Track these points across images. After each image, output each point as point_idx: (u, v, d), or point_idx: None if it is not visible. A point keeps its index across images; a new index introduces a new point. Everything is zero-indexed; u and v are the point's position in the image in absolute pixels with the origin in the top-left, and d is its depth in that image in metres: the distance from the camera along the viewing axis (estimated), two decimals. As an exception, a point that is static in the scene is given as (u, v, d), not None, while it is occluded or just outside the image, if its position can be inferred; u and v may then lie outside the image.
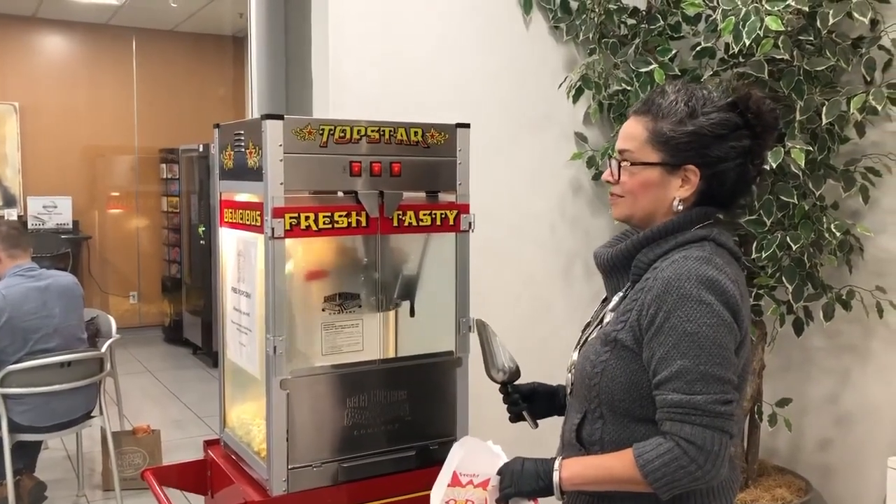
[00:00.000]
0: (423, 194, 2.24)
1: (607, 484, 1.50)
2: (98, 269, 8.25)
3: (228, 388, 2.45)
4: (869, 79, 2.86)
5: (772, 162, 2.60)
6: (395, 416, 2.21)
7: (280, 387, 2.04)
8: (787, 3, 2.56)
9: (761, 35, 2.56)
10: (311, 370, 2.11)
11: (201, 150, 7.13)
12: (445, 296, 2.30)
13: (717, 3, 2.70)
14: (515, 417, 1.81)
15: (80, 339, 3.90)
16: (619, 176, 1.57)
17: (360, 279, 2.19)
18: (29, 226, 7.39)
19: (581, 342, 1.66)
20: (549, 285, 3.41)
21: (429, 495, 1.65)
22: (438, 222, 2.25)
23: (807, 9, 2.65)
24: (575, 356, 1.64)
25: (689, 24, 3.10)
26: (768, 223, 2.77)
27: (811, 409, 3.34)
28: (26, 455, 3.90)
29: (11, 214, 7.43)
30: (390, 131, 2.16)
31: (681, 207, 1.54)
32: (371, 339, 2.20)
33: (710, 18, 2.92)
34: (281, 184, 2.01)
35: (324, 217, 2.06)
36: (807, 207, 2.81)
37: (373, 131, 2.13)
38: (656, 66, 2.94)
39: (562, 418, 1.71)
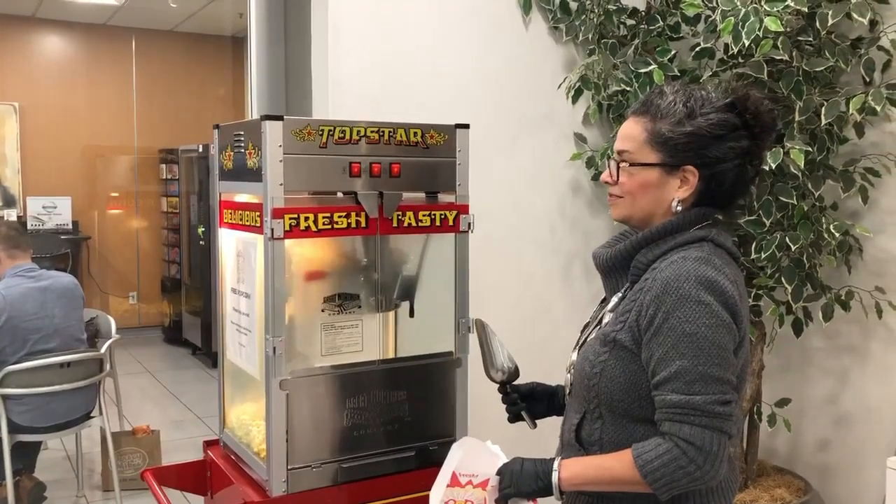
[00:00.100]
0: (422, 195, 2.24)
1: (606, 484, 1.51)
2: (98, 269, 8.24)
3: (228, 388, 2.45)
4: (868, 79, 2.87)
5: (771, 162, 2.60)
6: (395, 417, 2.21)
7: (279, 387, 2.04)
8: (787, 3, 2.56)
9: (760, 36, 2.56)
10: (311, 371, 2.11)
11: (201, 150, 7.12)
12: (445, 296, 2.30)
13: (717, 3, 2.70)
14: (514, 417, 1.81)
15: (80, 340, 3.90)
16: (618, 177, 1.57)
17: (360, 280, 2.19)
18: (28, 226, 7.37)
19: (580, 342, 1.66)
20: (548, 285, 3.41)
21: (428, 496, 1.65)
22: (438, 223, 2.25)
23: (806, 9, 2.65)
24: (574, 356, 1.64)
25: (689, 25, 3.10)
26: (767, 224, 2.78)
27: (810, 409, 3.34)
28: (26, 455, 3.90)
29: (11, 215, 7.41)
30: (390, 132, 2.16)
31: (679, 208, 1.54)
32: (370, 339, 2.20)
33: (710, 19, 2.92)
34: (280, 184, 2.01)
35: (323, 218, 2.06)
36: (806, 208, 2.81)
37: (372, 132, 2.13)
38: (655, 66, 2.94)
39: (561, 418, 1.71)
